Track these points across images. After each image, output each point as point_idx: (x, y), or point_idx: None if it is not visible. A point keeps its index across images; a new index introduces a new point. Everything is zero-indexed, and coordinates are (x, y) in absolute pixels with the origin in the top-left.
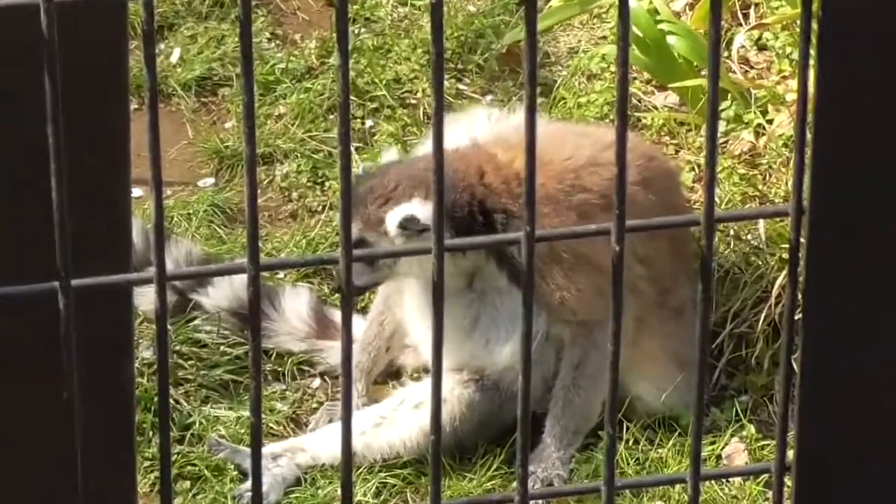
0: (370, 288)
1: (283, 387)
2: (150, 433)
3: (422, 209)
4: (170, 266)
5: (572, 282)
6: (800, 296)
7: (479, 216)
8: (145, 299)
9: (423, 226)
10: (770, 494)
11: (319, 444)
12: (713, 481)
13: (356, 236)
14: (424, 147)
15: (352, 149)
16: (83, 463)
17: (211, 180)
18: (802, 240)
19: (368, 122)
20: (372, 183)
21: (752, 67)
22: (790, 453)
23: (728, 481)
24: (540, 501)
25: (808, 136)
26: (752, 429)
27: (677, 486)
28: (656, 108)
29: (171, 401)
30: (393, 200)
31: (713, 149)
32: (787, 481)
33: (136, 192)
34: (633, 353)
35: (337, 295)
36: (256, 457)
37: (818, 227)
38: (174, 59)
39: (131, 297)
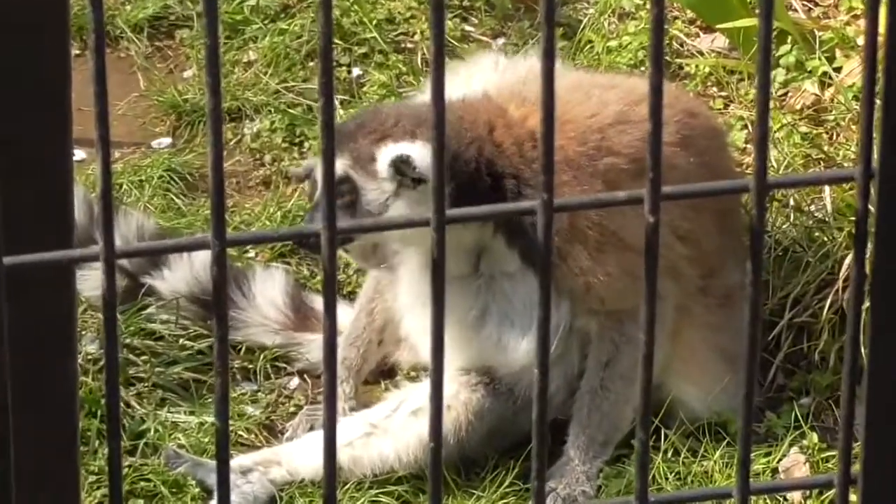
0: (347, 242)
1: (255, 388)
2: (97, 442)
3: (422, 153)
4: (118, 243)
5: (599, 264)
6: (869, 276)
7: (486, 176)
8: (89, 283)
9: (419, 173)
10: None
11: (298, 455)
12: (767, 498)
13: (340, 173)
14: (422, 96)
15: (335, 102)
16: (18, 477)
17: (167, 140)
18: (872, 209)
19: (356, 71)
20: (364, 118)
21: (816, 4)
22: (857, 465)
23: (784, 498)
24: None
25: (878, 85)
26: (814, 437)
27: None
28: (701, 54)
29: (122, 404)
30: (391, 137)
31: (765, 100)
32: (853, 496)
33: (78, 154)
34: (672, 347)
35: (317, 274)
36: (223, 471)
37: (890, 194)
38: None
39: (73, 279)
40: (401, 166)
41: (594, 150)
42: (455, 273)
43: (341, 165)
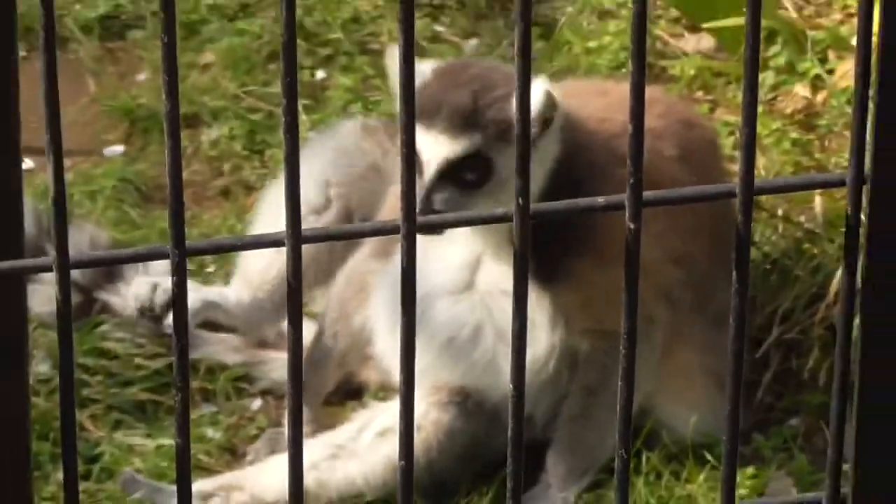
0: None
1: (215, 409)
2: (49, 467)
3: (551, 88)
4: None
5: (605, 277)
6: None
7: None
8: (40, 297)
9: (555, 108)
10: None
11: (260, 480)
12: None
13: (472, 151)
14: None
15: (299, 107)
16: None
17: (119, 148)
18: (863, 217)
19: (320, 74)
20: (474, 87)
21: (808, 2)
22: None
23: None
24: None
25: (872, 89)
26: (803, 460)
27: None
28: (686, 55)
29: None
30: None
31: (753, 101)
32: None
33: (26, 163)
34: (663, 366)
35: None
36: (184, 496)
37: (883, 201)
38: None
39: (24, 292)
40: (547, 108)
41: (613, 157)
42: (447, 288)
43: (473, 144)
